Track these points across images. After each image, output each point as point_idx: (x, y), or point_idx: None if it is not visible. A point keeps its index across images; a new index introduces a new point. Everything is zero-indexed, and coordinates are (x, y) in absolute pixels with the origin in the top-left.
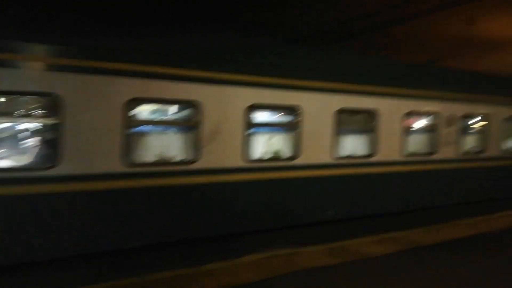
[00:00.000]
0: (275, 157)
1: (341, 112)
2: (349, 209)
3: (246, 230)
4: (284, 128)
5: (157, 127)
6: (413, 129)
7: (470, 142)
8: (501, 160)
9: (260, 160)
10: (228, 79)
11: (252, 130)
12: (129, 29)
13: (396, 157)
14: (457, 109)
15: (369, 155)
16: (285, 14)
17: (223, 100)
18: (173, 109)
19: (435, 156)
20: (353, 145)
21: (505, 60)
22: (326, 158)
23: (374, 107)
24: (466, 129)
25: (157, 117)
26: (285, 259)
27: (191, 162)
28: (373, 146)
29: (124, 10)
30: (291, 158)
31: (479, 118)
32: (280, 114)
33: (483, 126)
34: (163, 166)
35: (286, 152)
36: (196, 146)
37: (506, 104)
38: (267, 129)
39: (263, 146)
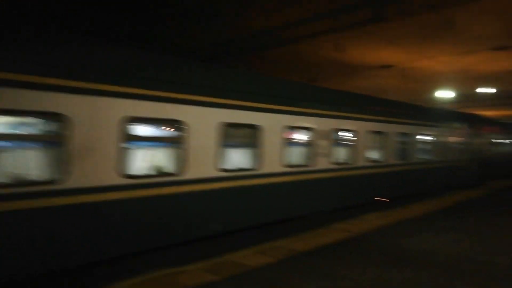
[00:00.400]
0: (157, 173)
1: (226, 126)
2: (236, 221)
3: (125, 253)
4: (167, 143)
5: (9, 143)
6: (293, 142)
7: (341, 154)
8: (366, 169)
9: (139, 177)
10: (100, 89)
11: (130, 144)
12: None
13: (278, 168)
14: (330, 124)
15: (253, 168)
16: (172, 28)
17: (94, 112)
18: (32, 122)
19: (312, 167)
20: (238, 158)
21: (369, 83)
22: (211, 172)
23: (257, 122)
24: (337, 142)
25: (9, 130)
26: (167, 280)
27: (52, 182)
28: (257, 159)
29: None
30: (175, 173)
31: (348, 132)
32: (163, 128)
33: (351, 139)
34: (14, 188)
35: (170, 167)
36: (59, 163)
37: (370, 120)
38: (148, 143)
39: (144, 161)
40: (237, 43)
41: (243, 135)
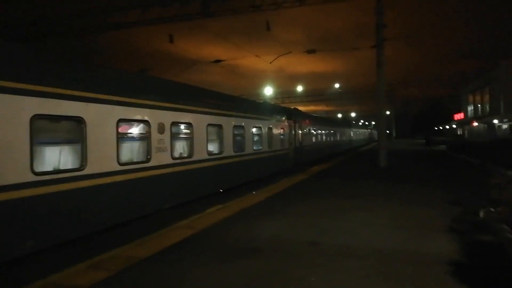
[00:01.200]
0: None
1: (38, 118)
2: (56, 234)
3: None
4: None
5: None
6: (128, 136)
7: (180, 148)
8: (207, 161)
9: None
10: None
11: None
12: None
13: (111, 167)
14: (167, 117)
15: (78, 168)
16: None
17: None
18: None
19: (150, 163)
20: (57, 157)
21: (203, 77)
22: (14, 177)
23: (80, 114)
24: (176, 136)
25: None
26: None
27: None
28: (82, 156)
29: None
30: None
31: (187, 125)
32: None
33: (190, 133)
34: None
35: None
36: None
37: (208, 113)
38: None
39: None
40: (59, 23)
41: (65, 130)
